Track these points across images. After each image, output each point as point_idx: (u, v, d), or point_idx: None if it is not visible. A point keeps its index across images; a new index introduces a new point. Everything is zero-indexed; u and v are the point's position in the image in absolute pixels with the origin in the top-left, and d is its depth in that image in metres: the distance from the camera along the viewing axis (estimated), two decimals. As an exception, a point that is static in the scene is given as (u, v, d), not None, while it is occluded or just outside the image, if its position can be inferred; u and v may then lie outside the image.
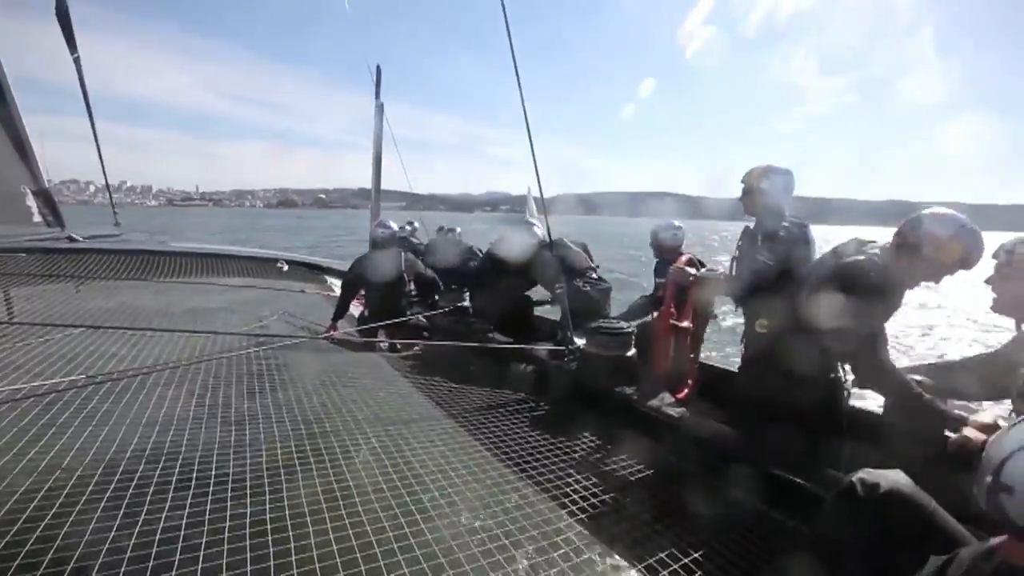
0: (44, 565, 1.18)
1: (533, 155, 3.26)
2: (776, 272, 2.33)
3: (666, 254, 3.60)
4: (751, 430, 2.41)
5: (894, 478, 1.13)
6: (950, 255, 1.74)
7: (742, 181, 2.57)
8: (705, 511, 1.84)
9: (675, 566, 1.52)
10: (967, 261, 1.73)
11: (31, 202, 6.87)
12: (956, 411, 1.73)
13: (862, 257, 1.91)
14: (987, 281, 1.73)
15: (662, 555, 1.57)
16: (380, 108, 7.31)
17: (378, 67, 7.18)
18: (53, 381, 2.26)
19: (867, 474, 1.16)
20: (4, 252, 4.91)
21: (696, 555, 1.58)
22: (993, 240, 1.69)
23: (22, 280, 4.39)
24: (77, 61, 6.51)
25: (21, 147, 6.73)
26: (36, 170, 6.90)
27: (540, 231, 4.12)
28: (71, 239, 6.27)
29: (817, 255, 2.45)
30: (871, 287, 1.84)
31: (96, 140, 6.90)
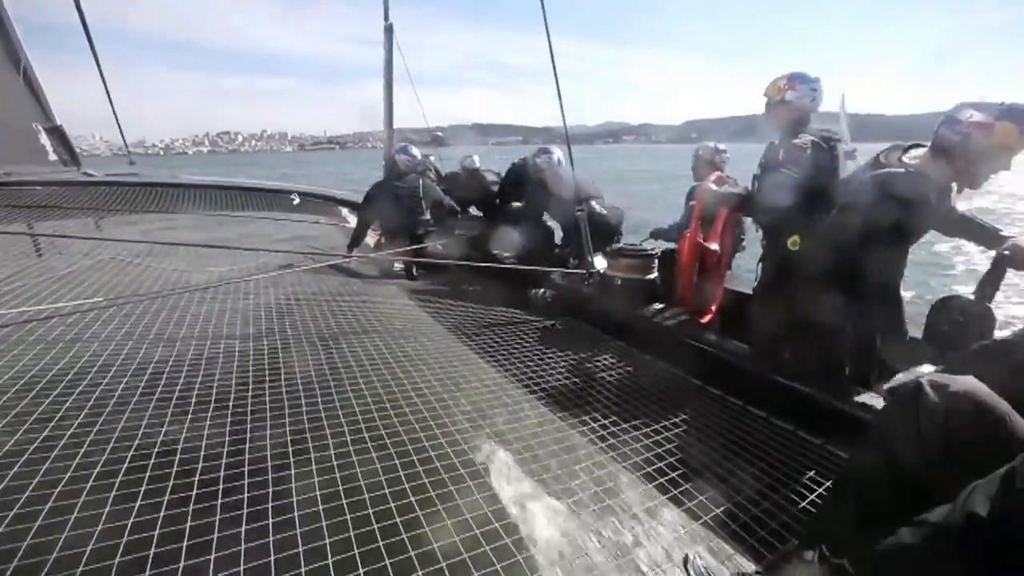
0: (79, 456, 1.21)
1: (558, 87, 3.01)
2: (803, 186, 2.18)
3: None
4: (776, 350, 2.34)
5: (967, 380, 0.99)
6: (1003, 135, 1.60)
7: (765, 93, 2.38)
8: (728, 432, 1.80)
9: (687, 486, 1.45)
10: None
11: (45, 140, 6.81)
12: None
13: (899, 168, 1.76)
14: None
15: (677, 473, 1.51)
16: (389, 30, 6.90)
17: (387, -17, 6.70)
18: (76, 303, 2.28)
19: (935, 376, 1.03)
20: (23, 185, 4.92)
21: (721, 474, 1.53)
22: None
23: (42, 213, 4.42)
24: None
25: (29, 83, 6.60)
26: (47, 107, 6.79)
27: (556, 156, 3.94)
28: (87, 175, 6.25)
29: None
30: (907, 197, 1.71)
31: (104, 81, 6.57)
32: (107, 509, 1.05)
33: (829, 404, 1.85)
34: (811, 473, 1.57)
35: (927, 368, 1.74)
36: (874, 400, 1.80)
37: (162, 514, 1.05)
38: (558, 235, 4.21)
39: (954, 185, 1.77)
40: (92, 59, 6.28)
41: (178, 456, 1.25)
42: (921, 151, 1.82)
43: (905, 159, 1.81)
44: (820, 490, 1.47)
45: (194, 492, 1.13)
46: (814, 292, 1.95)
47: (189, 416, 1.46)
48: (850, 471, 1.30)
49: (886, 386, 1.73)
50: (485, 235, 4.20)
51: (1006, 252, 1.65)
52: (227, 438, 1.36)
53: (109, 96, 6.91)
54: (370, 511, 1.13)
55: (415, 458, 1.35)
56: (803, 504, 1.41)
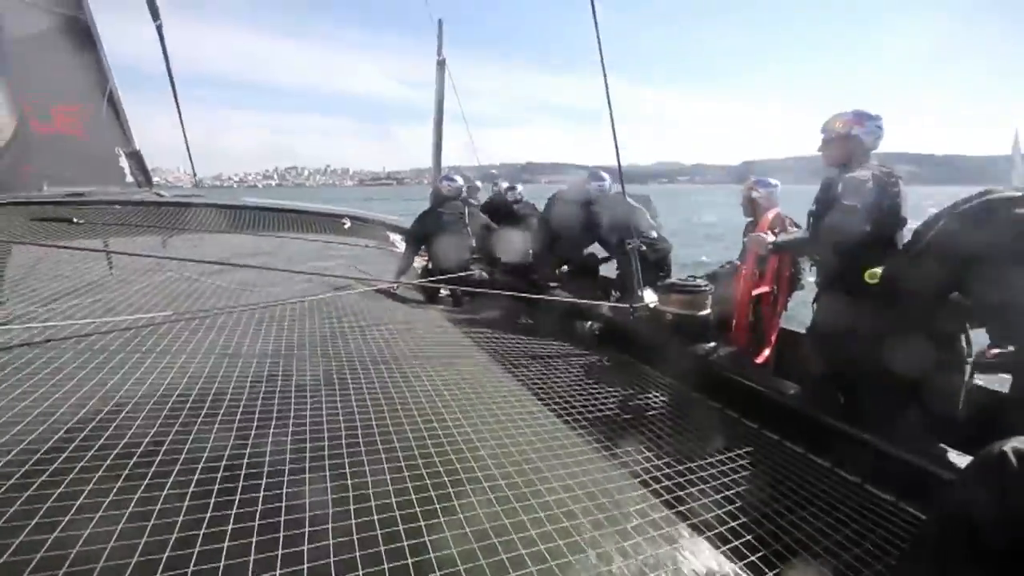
0: (128, 467, 1.23)
1: (611, 119, 3.02)
2: (867, 219, 2.07)
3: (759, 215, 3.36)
4: (836, 395, 2.22)
5: None
6: None
7: (823, 130, 2.32)
8: (786, 481, 1.68)
9: (747, 537, 1.34)
10: None
11: (124, 163, 7.38)
12: None
13: (1014, 194, 1.62)
14: None
15: (736, 523, 1.39)
16: (442, 64, 7.21)
17: (440, 21, 7.06)
18: (147, 315, 2.40)
19: (1020, 442, 0.96)
20: (101, 204, 5.30)
21: (780, 530, 1.42)
22: None
23: (117, 230, 4.74)
24: (159, 28, 6.74)
25: (114, 109, 7.18)
26: (128, 133, 7.37)
27: (608, 183, 3.94)
28: (158, 195, 6.69)
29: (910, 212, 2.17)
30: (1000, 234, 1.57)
31: (180, 115, 7.12)
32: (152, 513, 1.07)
33: (903, 458, 1.72)
34: (881, 531, 1.45)
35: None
36: (954, 458, 1.67)
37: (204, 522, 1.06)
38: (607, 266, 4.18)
39: None
40: (173, 100, 6.88)
41: (221, 470, 1.27)
42: None
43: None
44: (893, 551, 1.36)
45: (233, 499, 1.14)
46: (904, 330, 1.82)
47: (235, 428, 1.48)
48: (928, 535, 1.21)
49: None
50: (530, 265, 4.22)
51: None
52: (268, 448, 1.40)
53: (184, 131, 7.47)
54: (400, 528, 1.12)
55: (447, 483, 1.34)
56: (878, 567, 1.30)
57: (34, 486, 1.12)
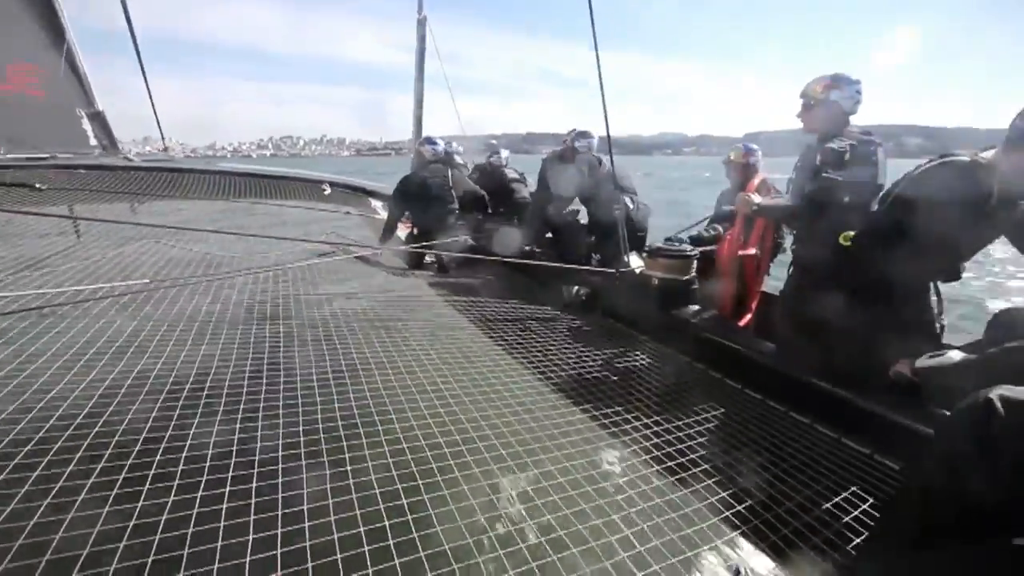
0: (109, 448, 1.20)
1: (601, 82, 2.90)
2: (845, 192, 2.10)
3: (740, 178, 3.39)
4: (815, 353, 2.27)
5: None
6: None
7: (803, 94, 2.30)
8: (768, 438, 1.74)
9: (727, 493, 1.40)
10: None
11: (87, 125, 7.01)
12: None
13: (963, 158, 1.66)
14: None
15: (720, 478, 1.45)
16: (422, 23, 6.91)
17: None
18: (121, 284, 2.32)
19: (1007, 390, 0.95)
20: (67, 168, 5.06)
21: (767, 481, 1.48)
22: None
23: (84, 196, 4.55)
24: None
25: (73, 68, 6.77)
26: (90, 93, 6.98)
27: (595, 140, 3.87)
28: (127, 159, 6.41)
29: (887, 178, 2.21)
30: (949, 189, 1.62)
31: (145, 80, 6.74)
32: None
33: (878, 412, 1.78)
34: (857, 486, 1.51)
35: (956, 355, 1.64)
36: (927, 412, 1.73)
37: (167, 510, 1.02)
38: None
39: None
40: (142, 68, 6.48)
41: (185, 452, 1.22)
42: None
43: (982, 155, 1.66)
44: (870, 502, 1.42)
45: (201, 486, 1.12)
46: (869, 291, 1.87)
47: (200, 407, 1.43)
48: (910, 487, 1.24)
49: (918, 363, 1.64)
50: (516, 230, 4.17)
51: None
52: (237, 426, 1.36)
53: (151, 98, 7.09)
54: (381, 507, 1.11)
55: (429, 454, 1.33)
56: (854, 514, 1.36)
57: (7, 469, 1.08)
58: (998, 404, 0.93)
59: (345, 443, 1.33)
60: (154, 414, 1.35)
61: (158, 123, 8.15)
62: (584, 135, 3.88)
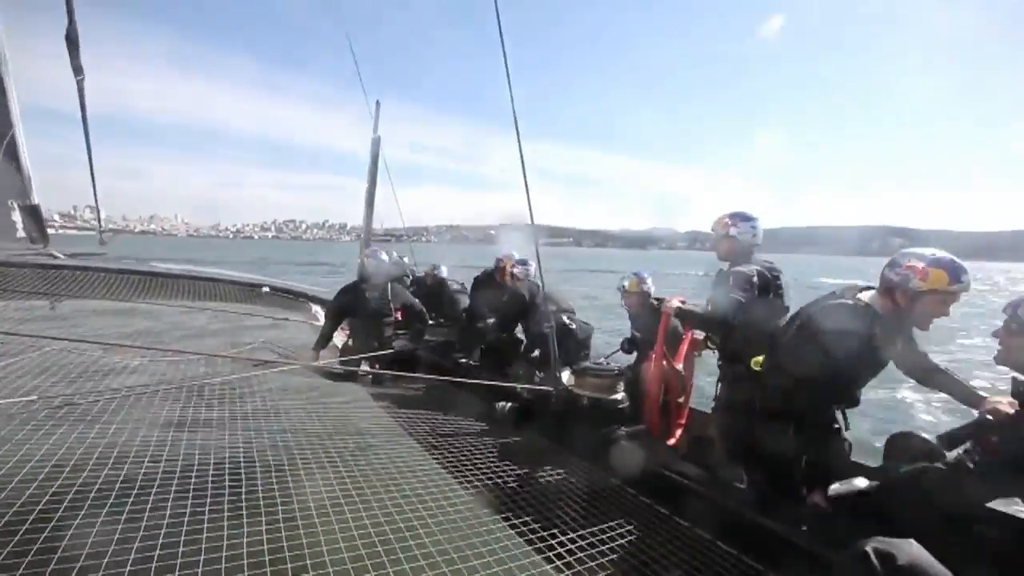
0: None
1: (524, 176, 3.14)
2: (752, 311, 2.38)
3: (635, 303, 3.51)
4: (737, 475, 2.35)
5: (910, 550, 1.02)
6: (936, 282, 1.72)
7: (712, 228, 2.67)
8: (691, 561, 1.74)
9: None
10: (956, 282, 1.72)
11: (17, 217, 6.75)
12: None
13: (848, 301, 1.89)
14: (994, 334, 1.71)
15: None
16: (377, 142, 7.40)
17: (377, 102, 7.38)
18: (16, 400, 2.12)
19: (880, 543, 1.05)
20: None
21: None
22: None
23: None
24: (80, 83, 6.45)
25: (16, 159, 6.65)
26: (28, 185, 6.80)
27: (532, 268, 4.10)
28: (52, 256, 6.13)
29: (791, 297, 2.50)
30: (851, 329, 1.82)
31: (91, 164, 6.70)
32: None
33: (779, 533, 1.83)
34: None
35: (861, 482, 1.81)
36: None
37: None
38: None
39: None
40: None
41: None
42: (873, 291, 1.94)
43: (860, 296, 1.92)
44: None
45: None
46: (777, 414, 1.99)
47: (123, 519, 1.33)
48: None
49: (830, 491, 1.79)
50: (452, 343, 4.21)
51: (988, 417, 1.72)
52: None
53: (94, 181, 6.97)
54: None
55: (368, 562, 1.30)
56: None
57: None
58: (873, 558, 1.03)
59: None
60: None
61: (96, 208, 7.76)
62: (523, 262, 4.16)
